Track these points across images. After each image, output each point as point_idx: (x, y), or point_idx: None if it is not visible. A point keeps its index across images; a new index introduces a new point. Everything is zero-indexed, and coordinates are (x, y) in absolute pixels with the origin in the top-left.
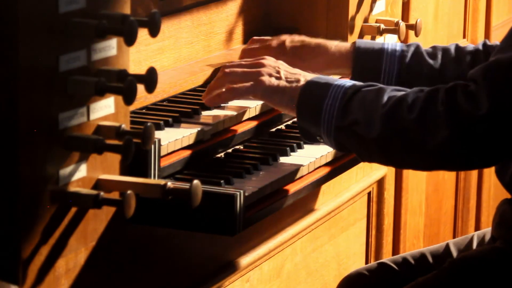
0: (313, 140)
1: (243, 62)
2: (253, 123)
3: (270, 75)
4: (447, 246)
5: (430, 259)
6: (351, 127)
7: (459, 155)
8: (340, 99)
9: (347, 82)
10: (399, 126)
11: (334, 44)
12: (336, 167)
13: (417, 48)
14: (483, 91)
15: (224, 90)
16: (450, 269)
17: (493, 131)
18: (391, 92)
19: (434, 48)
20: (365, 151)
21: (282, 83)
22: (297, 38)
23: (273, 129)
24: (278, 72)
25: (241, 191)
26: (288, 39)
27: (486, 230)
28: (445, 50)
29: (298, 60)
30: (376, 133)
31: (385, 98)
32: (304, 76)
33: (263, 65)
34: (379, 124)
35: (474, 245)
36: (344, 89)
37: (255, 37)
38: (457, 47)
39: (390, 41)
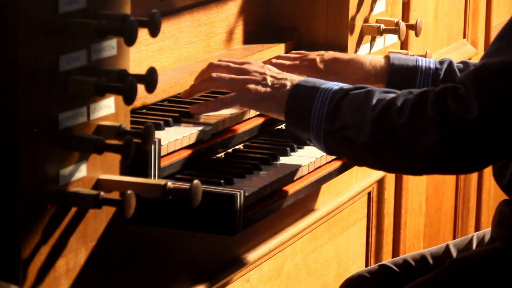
0: (302, 144)
1: (231, 65)
2: (253, 123)
3: (257, 83)
4: (447, 247)
5: (431, 261)
6: (340, 131)
7: (449, 159)
8: (328, 103)
9: (335, 85)
10: (389, 130)
11: (368, 60)
12: (336, 167)
13: (450, 64)
14: (473, 95)
15: (211, 100)
16: (449, 269)
17: (483, 135)
18: (379, 94)
19: (465, 64)
20: (355, 155)
21: (269, 89)
22: (327, 55)
23: (273, 129)
24: (264, 79)
25: (241, 191)
26: (318, 57)
27: (486, 230)
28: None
29: (332, 75)
30: (366, 138)
31: (374, 101)
32: (291, 80)
33: (249, 72)
34: (368, 128)
35: (474, 246)
36: (332, 93)
37: (281, 54)
38: None
39: (423, 58)
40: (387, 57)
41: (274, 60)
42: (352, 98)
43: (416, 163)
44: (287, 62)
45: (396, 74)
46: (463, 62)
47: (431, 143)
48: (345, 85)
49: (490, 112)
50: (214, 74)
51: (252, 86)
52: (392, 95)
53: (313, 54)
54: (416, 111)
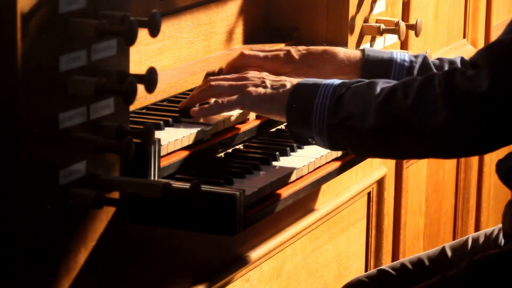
0: (304, 143)
1: (228, 76)
2: (253, 123)
3: (256, 86)
4: (443, 249)
5: (427, 263)
6: (344, 122)
7: (459, 137)
8: (330, 97)
9: (336, 81)
10: (395, 113)
11: (342, 51)
12: (336, 167)
13: (425, 59)
14: (483, 70)
15: (212, 103)
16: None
17: (493, 109)
18: (382, 84)
19: (440, 60)
20: (360, 145)
21: (269, 91)
22: (302, 47)
23: (273, 129)
24: (263, 82)
25: (241, 191)
26: (293, 49)
27: (480, 232)
28: (451, 63)
29: (306, 66)
30: (372, 124)
31: (378, 89)
32: (290, 81)
33: (247, 78)
34: (374, 114)
35: (469, 247)
36: (334, 87)
37: (255, 47)
38: (463, 60)
39: (398, 51)
40: (362, 50)
41: (246, 52)
42: (355, 90)
43: (425, 145)
44: (261, 54)
45: (370, 65)
46: (438, 59)
47: (439, 122)
48: (347, 81)
49: (501, 85)
50: (213, 83)
51: (251, 88)
52: (395, 82)
53: (286, 46)
54: (422, 91)
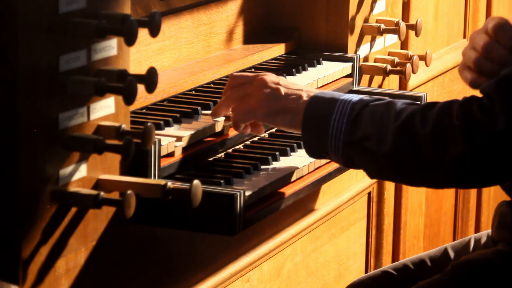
0: (319, 156)
1: (246, 75)
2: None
3: (271, 95)
4: (445, 250)
5: (429, 264)
6: (361, 142)
7: (474, 170)
8: (348, 114)
9: (354, 96)
10: (412, 141)
11: None
12: (337, 167)
13: None
14: (498, 106)
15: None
16: (452, 272)
17: (509, 148)
18: (401, 105)
19: None
20: (375, 167)
21: (283, 102)
22: None
23: (273, 129)
24: (278, 90)
25: (241, 191)
26: None
27: (483, 233)
28: None
29: None
30: (388, 149)
31: (396, 111)
32: (307, 92)
33: (263, 81)
34: (391, 139)
35: (471, 248)
36: (352, 104)
37: None
38: None
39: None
40: None
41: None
42: (373, 109)
43: (439, 175)
44: None
45: None
46: None
47: (455, 154)
48: (365, 97)
49: None
50: (228, 91)
51: (265, 102)
52: (414, 106)
53: None
54: (440, 121)
